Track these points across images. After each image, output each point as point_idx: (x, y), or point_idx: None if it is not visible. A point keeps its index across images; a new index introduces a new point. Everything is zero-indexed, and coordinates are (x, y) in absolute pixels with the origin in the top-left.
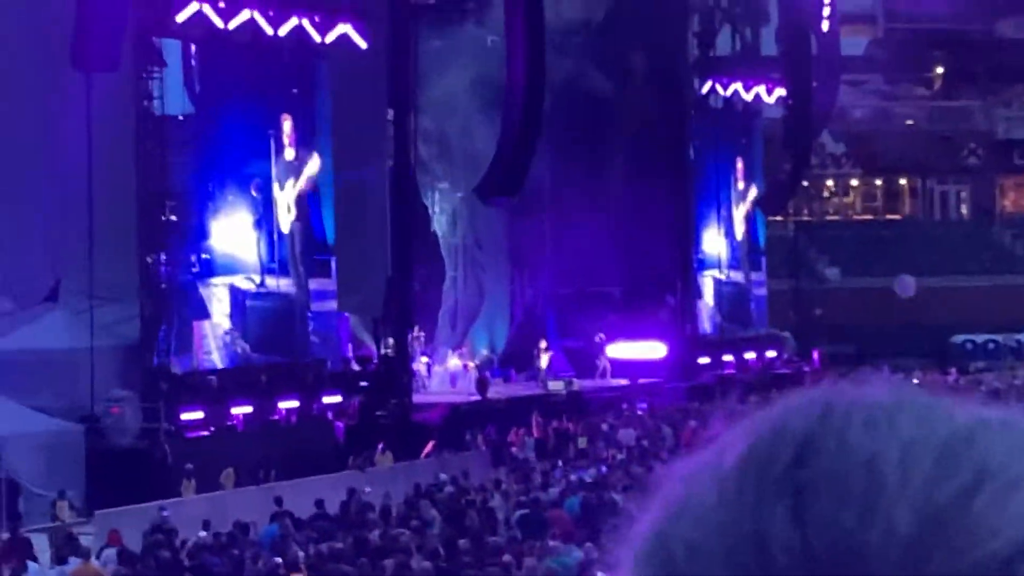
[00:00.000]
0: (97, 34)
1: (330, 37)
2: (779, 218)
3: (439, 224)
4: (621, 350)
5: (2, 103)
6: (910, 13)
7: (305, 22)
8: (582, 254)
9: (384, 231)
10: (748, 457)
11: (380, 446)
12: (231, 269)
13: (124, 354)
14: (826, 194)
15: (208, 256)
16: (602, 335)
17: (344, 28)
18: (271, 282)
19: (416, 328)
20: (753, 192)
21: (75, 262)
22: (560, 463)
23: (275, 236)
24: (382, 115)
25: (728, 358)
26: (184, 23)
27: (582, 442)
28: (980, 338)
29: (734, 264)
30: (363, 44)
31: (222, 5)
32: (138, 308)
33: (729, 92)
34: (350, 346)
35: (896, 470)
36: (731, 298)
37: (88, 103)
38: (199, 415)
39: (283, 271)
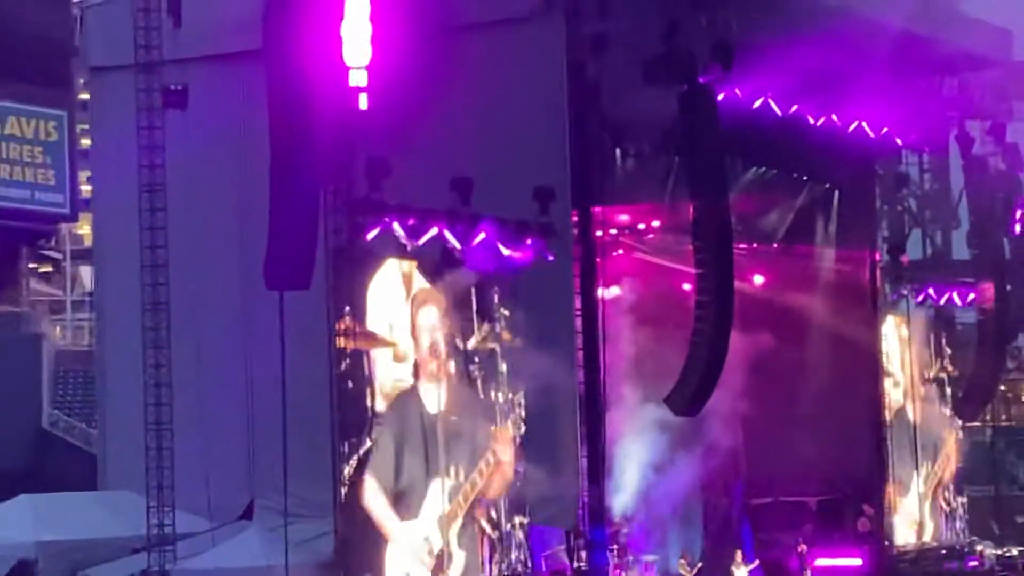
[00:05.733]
0: (289, 254)
1: (517, 251)
2: (976, 423)
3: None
4: (819, 562)
5: (202, 322)
6: None
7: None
8: (775, 462)
9: (575, 442)
10: None
11: None
12: None
13: (319, 571)
14: None
15: None
16: (804, 546)
17: (531, 241)
18: None
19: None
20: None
21: (269, 480)
22: None
23: None
24: (570, 324)
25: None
26: (373, 240)
27: None
28: None
29: None
30: (550, 256)
31: (412, 223)
32: (332, 524)
33: (920, 298)
34: (543, 559)
35: None
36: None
37: (281, 321)
38: None
39: None
